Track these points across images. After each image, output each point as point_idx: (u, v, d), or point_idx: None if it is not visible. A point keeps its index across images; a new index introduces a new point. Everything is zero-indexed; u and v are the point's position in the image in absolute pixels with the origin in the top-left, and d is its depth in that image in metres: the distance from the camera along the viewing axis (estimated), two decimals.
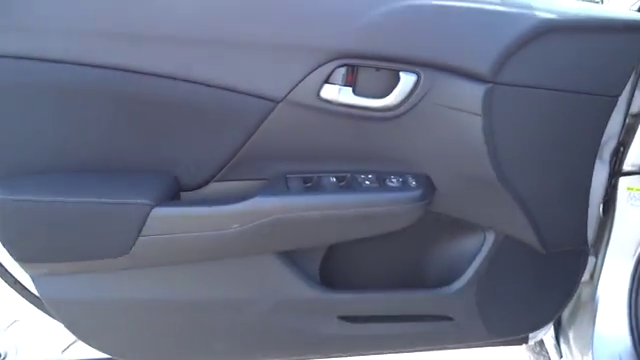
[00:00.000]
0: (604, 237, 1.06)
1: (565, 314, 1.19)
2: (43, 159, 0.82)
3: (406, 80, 0.81)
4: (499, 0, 0.81)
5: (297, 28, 0.79)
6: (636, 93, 0.93)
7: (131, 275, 0.86)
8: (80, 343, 0.94)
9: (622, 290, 1.07)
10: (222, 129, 0.84)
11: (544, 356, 1.43)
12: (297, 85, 0.80)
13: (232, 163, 0.86)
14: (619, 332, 1.07)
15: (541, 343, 1.42)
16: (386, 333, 1.00)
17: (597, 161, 0.92)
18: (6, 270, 0.94)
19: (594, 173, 0.92)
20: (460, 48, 0.80)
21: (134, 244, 0.80)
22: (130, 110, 0.81)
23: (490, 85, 0.80)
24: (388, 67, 0.81)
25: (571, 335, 1.17)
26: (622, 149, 0.98)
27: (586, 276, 1.08)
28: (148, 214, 0.79)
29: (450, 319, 1.00)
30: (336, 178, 0.87)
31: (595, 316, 1.08)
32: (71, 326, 0.90)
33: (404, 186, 0.87)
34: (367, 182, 0.86)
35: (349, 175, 0.88)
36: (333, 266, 0.97)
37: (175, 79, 0.79)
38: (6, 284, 0.96)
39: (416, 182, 0.88)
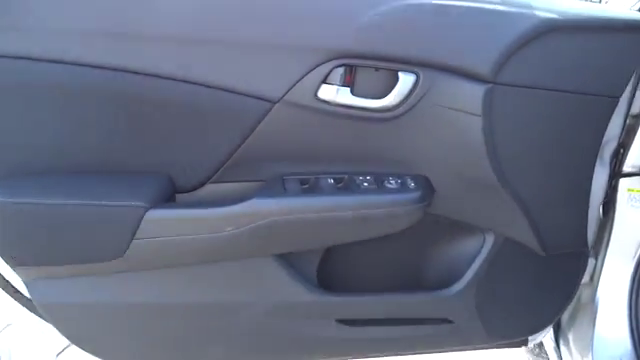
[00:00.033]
0: (604, 239, 1.05)
1: (565, 316, 1.18)
2: (39, 160, 0.81)
3: (405, 80, 0.81)
4: None
5: (294, 27, 0.79)
6: (637, 94, 0.93)
7: (125, 278, 0.85)
8: (74, 347, 0.93)
9: (622, 292, 1.07)
10: (218, 130, 0.83)
11: (543, 358, 1.43)
12: (294, 85, 0.79)
13: (228, 164, 0.85)
14: (619, 334, 1.07)
15: (540, 345, 1.42)
16: (385, 336, 0.99)
17: (597, 162, 0.91)
18: None
19: (594, 174, 0.92)
20: (460, 48, 0.80)
21: (128, 247, 0.80)
22: (125, 110, 0.80)
23: (490, 85, 0.79)
24: (387, 67, 0.81)
25: (571, 337, 1.17)
26: (622, 150, 0.98)
27: (586, 278, 1.08)
28: (142, 216, 0.78)
29: (449, 322, 1.00)
30: (334, 180, 0.86)
31: (595, 318, 1.07)
32: (65, 330, 0.89)
33: (403, 188, 0.86)
34: (365, 184, 0.86)
35: (347, 176, 0.87)
36: (331, 269, 0.96)
37: (170, 79, 0.78)
38: None
39: (415, 184, 0.87)
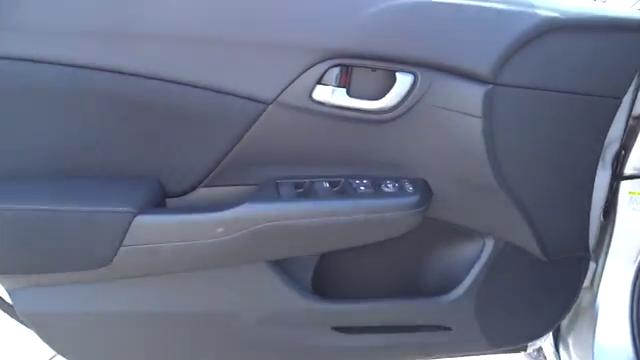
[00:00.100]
0: (604, 242, 1.04)
1: (564, 321, 1.18)
2: (24, 163, 0.80)
3: (402, 81, 0.79)
4: None
5: (288, 26, 0.78)
6: (639, 94, 0.91)
7: (113, 287, 0.83)
8: (60, 357, 0.91)
9: (623, 297, 1.06)
10: (210, 132, 0.82)
11: None
12: (288, 86, 0.78)
13: (220, 168, 0.84)
14: (620, 340, 1.06)
15: (539, 350, 1.41)
16: (382, 344, 0.98)
17: (599, 165, 0.90)
18: None
19: (595, 177, 0.91)
20: (459, 47, 0.78)
21: (116, 254, 0.78)
22: (113, 112, 0.79)
23: (490, 86, 0.78)
24: (384, 67, 0.80)
25: (570, 342, 1.17)
26: (624, 152, 0.97)
27: (586, 282, 1.07)
28: (130, 222, 0.76)
29: (448, 329, 0.99)
30: (329, 183, 0.85)
31: (595, 323, 1.07)
32: (49, 340, 0.87)
33: (400, 192, 0.85)
34: (362, 187, 0.85)
35: (343, 180, 0.85)
36: (326, 275, 0.95)
37: (161, 80, 0.77)
38: None
39: (413, 187, 0.86)
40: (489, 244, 0.95)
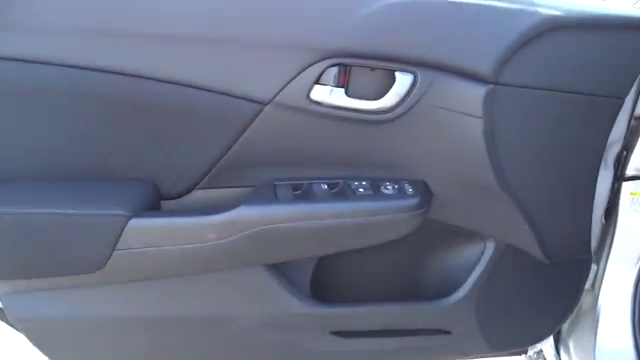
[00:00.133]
0: (606, 244, 1.04)
1: (565, 323, 1.17)
2: (16, 164, 0.79)
3: (402, 80, 0.79)
4: None
5: (286, 25, 0.77)
6: None
7: (107, 291, 0.82)
8: None
9: (625, 299, 1.06)
10: (206, 133, 0.81)
11: None
12: (286, 86, 0.77)
13: (216, 169, 0.83)
14: (622, 342, 1.06)
15: (540, 352, 1.41)
16: (381, 348, 0.97)
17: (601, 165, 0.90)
18: None
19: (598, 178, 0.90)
20: (459, 47, 0.78)
21: (109, 258, 0.77)
22: (107, 112, 0.78)
23: (491, 86, 0.77)
24: (383, 67, 0.79)
25: (571, 344, 1.16)
26: (626, 153, 0.96)
27: (587, 284, 1.07)
28: (124, 226, 0.76)
29: (448, 333, 0.98)
30: (328, 185, 0.84)
31: (597, 326, 1.06)
32: (42, 345, 0.86)
33: (400, 193, 0.84)
34: (361, 189, 0.84)
35: (341, 182, 0.85)
36: (325, 279, 0.94)
37: (156, 80, 0.76)
38: None
39: (413, 189, 0.85)
40: (490, 246, 0.94)
